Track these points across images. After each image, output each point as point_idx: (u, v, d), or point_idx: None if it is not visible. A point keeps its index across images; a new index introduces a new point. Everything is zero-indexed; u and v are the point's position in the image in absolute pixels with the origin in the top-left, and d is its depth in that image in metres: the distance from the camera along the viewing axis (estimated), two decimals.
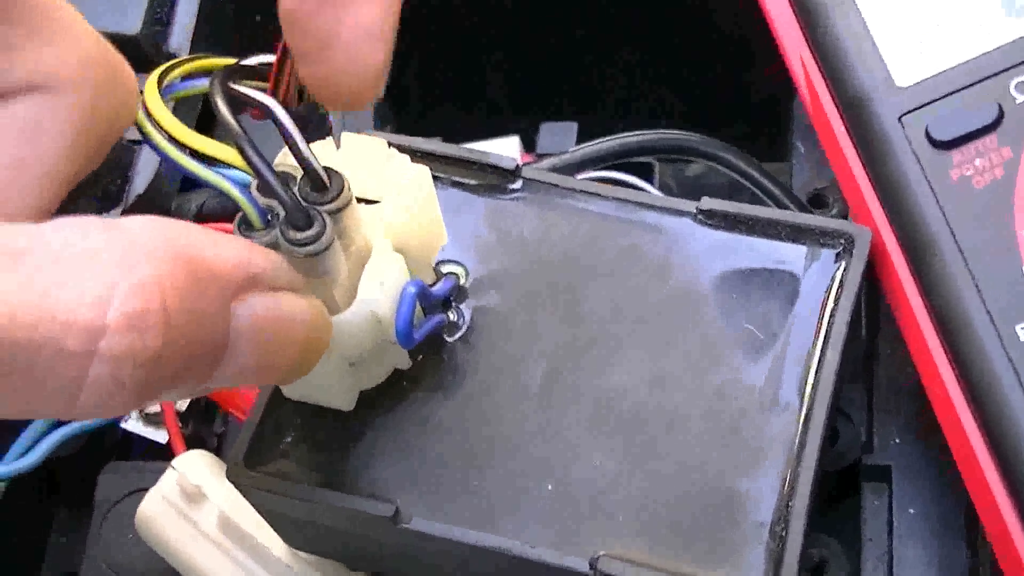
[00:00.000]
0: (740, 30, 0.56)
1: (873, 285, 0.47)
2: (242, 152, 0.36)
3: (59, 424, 0.57)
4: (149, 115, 0.37)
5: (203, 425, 0.58)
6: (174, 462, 0.52)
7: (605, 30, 0.70)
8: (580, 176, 0.54)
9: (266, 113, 0.38)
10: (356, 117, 0.62)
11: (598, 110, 0.70)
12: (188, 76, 0.40)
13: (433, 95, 0.73)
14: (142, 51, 0.58)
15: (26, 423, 0.57)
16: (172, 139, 0.37)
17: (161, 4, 0.59)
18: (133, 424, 0.58)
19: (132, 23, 0.57)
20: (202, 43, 0.59)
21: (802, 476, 0.42)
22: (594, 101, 0.71)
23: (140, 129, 0.37)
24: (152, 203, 0.56)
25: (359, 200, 0.40)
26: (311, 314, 0.35)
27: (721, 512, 0.42)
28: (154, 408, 0.57)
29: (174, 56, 0.58)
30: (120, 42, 0.56)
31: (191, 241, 0.32)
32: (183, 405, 0.57)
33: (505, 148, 0.64)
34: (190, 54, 0.57)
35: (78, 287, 0.29)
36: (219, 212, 0.58)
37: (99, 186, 0.55)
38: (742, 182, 0.53)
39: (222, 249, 0.33)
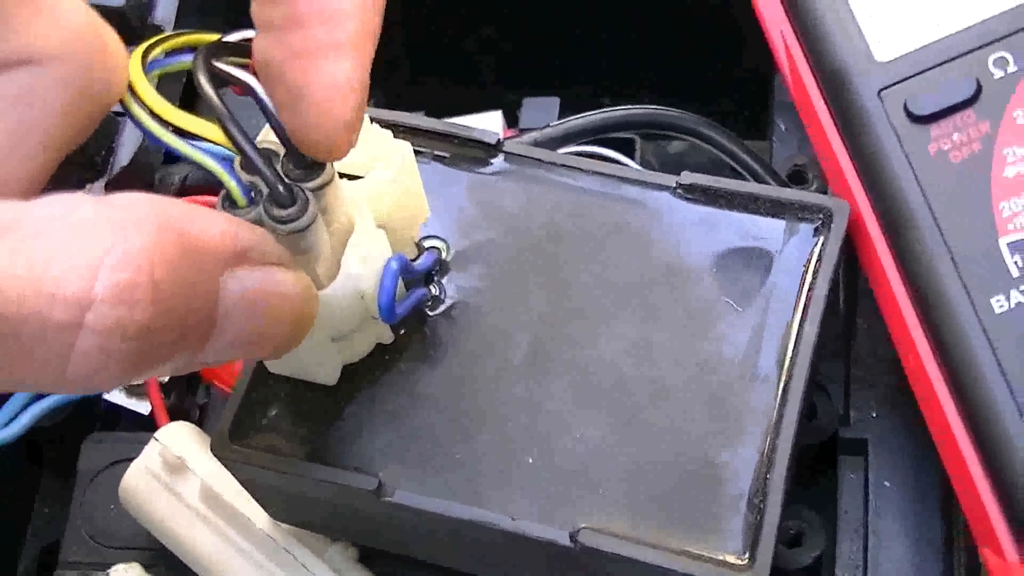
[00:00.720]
0: (724, 6, 0.56)
1: (851, 259, 0.48)
2: (224, 129, 0.36)
3: (42, 394, 0.57)
4: (132, 91, 0.37)
5: (186, 396, 0.58)
6: (157, 434, 0.52)
7: (590, 5, 0.70)
8: (562, 151, 0.54)
9: (247, 90, 0.38)
10: None
11: (582, 85, 0.70)
12: (173, 52, 0.40)
13: (419, 68, 0.73)
14: (128, 23, 0.57)
15: (9, 393, 0.57)
16: (154, 115, 0.37)
17: None
18: (116, 395, 0.58)
19: None
20: (189, 16, 0.59)
21: (780, 448, 0.42)
22: (578, 76, 0.71)
23: (123, 104, 0.37)
24: (136, 174, 0.56)
25: (341, 176, 0.40)
26: (300, 287, 0.36)
27: (702, 483, 0.42)
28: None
29: (160, 28, 0.58)
30: (106, 14, 0.56)
31: (180, 215, 0.32)
32: (166, 376, 0.57)
33: (488, 123, 0.64)
34: (176, 27, 0.57)
35: (66, 260, 0.29)
36: (203, 184, 0.58)
37: (84, 157, 0.55)
38: (723, 158, 0.54)
39: (210, 223, 0.33)
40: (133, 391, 0.58)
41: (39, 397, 0.57)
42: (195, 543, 0.51)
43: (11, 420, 0.56)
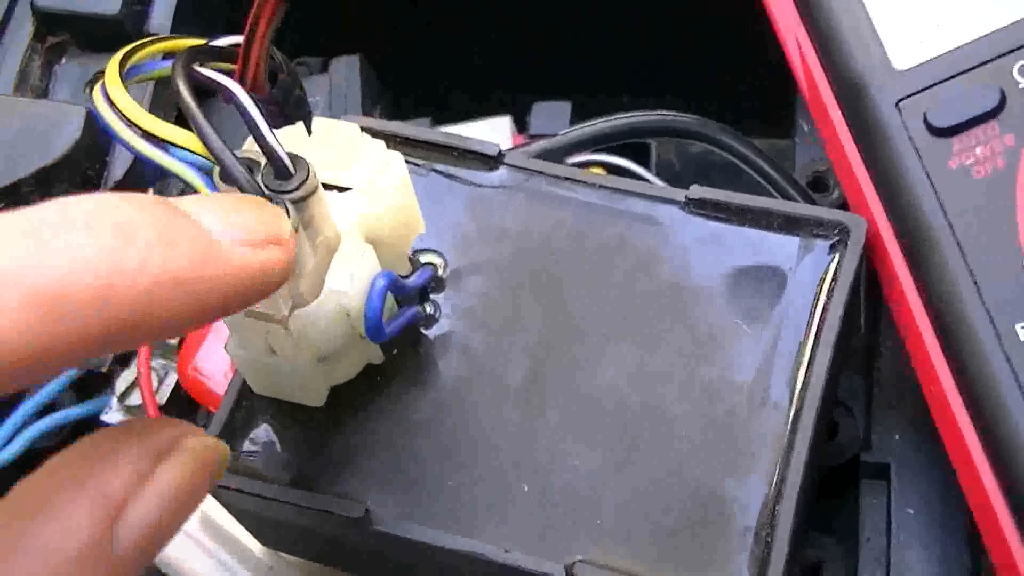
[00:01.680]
0: (745, 2, 0.55)
1: (874, 275, 0.45)
2: (203, 139, 0.35)
3: (40, 415, 0.56)
4: (108, 98, 0.36)
5: (185, 418, 0.57)
6: None
7: (605, 6, 0.69)
8: (573, 158, 0.52)
9: (227, 97, 0.36)
10: (345, 96, 0.61)
11: (598, 86, 0.68)
12: (164, 57, 0.39)
13: (427, 73, 0.72)
14: (124, 31, 0.57)
15: (6, 415, 0.56)
16: (131, 123, 0.35)
17: None
18: (114, 416, 0.57)
19: (112, 3, 0.57)
20: (185, 23, 0.58)
21: (790, 479, 0.40)
22: (593, 77, 0.69)
23: (96, 111, 0.36)
24: (131, 188, 0.55)
25: (330, 188, 0.39)
26: None
27: (706, 517, 0.40)
28: (135, 401, 0.56)
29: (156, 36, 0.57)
30: (100, 23, 0.57)
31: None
32: (163, 398, 0.56)
33: (497, 128, 0.63)
34: (172, 34, 0.56)
35: None
36: None
37: (77, 172, 0.53)
38: (739, 164, 0.52)
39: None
40: (131, 412, 0.57)
41: (36, 418, 0.56)
42: (194, 570, 0.50)
43: (8, 442, 0.55)
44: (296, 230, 0.35)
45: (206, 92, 0.36)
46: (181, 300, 0.30)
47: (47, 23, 0.57)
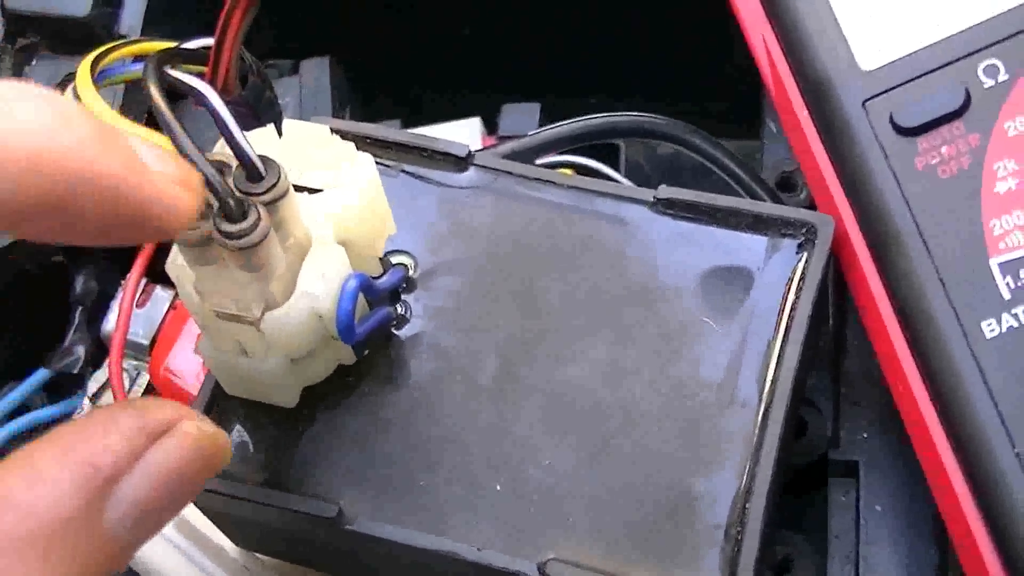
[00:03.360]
0: (713, 3, 0.55)
1: (842, 273, 0.46)
2: (174, 141, 0.35)
3: (11, 416, 0.56)
4: (78, 100, 0.36)
5: None
6: None
7: (574, 6, 0.69)
8: (542, 159, 0.52)
9: (198, 99, 0.37)
10: (315, 97, 0.61)
11: (566, 86, 0.68)
12: (135, 59, 0.39)
13: (397, 74, 0.72)
14: (92, 33, 0.57)
15: None
16: None
17: None
18: None
19: (81, 5, 0.57)
20: (155, 25, 0.58)
21: (759, 476, 0.40)
22: (562, 78, 0.69)
23: None
24: None
25: (301, 189, 0.39)
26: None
27: (677, 514, 0.40)
28: (107, 401, 0.56)
29: (125, 38, 0.57)
30: (69, 25, 0.57)
31: None
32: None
33: (466, 129, 0.63)
34: (142, 36, 0.56)
35: None
36: None
37: None
38: (708, 165, 0.52)
39: None
40: None
41: (9, 419, 0.56)
42: (167, 571, 0.50)
43: None
44: (268, 231, 0.36)
45: (176, 95, 0.36)
46: (102, 196, 0.31)
47: (17, 24, 0.57)
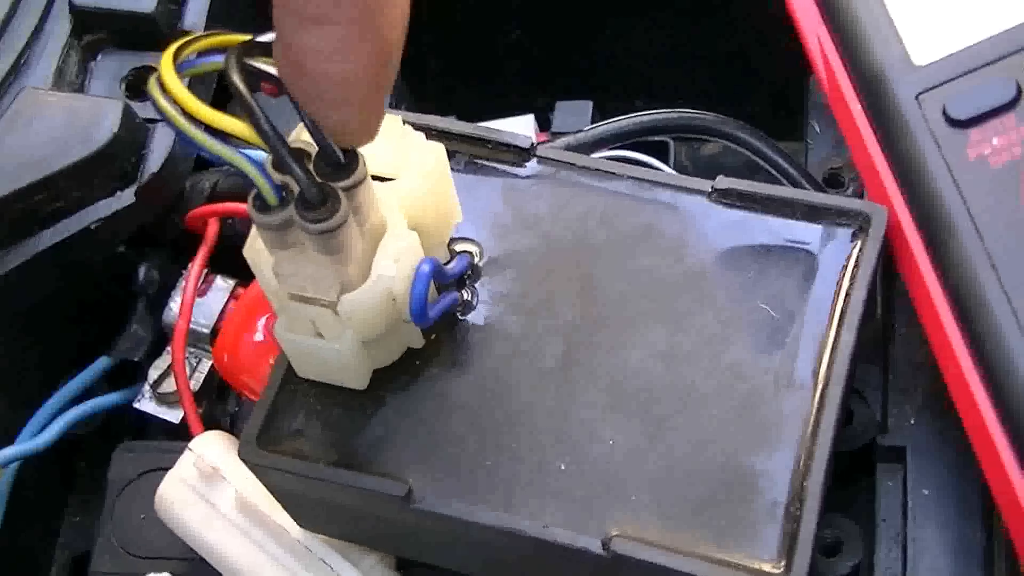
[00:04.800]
0: (758, 8, 0.56)
1: (889, 264, 0.47)
2: (257, 128, 0.36)
3: (75, 402, 0.57)
4: (165, 91, 0.37)
5: (216, 405, 0.58)
6: (191, 443, 0.52)
7: (622, 8, 0.70)
8: (595, 156, 0.53)
9: (281, 88, 0.37)
10: None
11: (615, 88, 0.69)
12: (204, 52, 0.40)
13: (450, 73, 0.73)
14: (158, 29, 0.58)
15: (42, 402, 0.57)
16: (187, 115, 0.36)
17: None
18: (147, 404, 0.58)
19: (147, 2, 0.58)
20: (218, 20, 0.59)
21: (817, 456, 0.41)
22: (611, 80, 0.70)
23: (155, 105, 0.37)
24: (166, 181, 0.56)
25: (374, 177, 0.40)
26: None
27: (735, 491, 0.41)
28: (169, 388, 0.57)
29: (189, 34, 0.57)
30: (136, 20, 0.58)
31: None
32: (196, 385, 0.57)
33: (520, 127, 0.64)
34: (205, 31, 0.57)
35: None
36: (233, 191, 0.58)
37: (115, 165, 0.54)
38: (757, 161, 0.53)
39: None
40: (163, 399, 0.58)
41: (70, 405, 0.57)
42: (229, 552, 0.51)
43: (42, 429, 0.56)
44: (347, 216, 0.37)
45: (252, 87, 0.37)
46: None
47: (83, 21, 0.58)
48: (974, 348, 0.42)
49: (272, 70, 0.38)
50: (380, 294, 0.40)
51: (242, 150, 0.37)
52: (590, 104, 0.65)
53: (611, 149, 0.56)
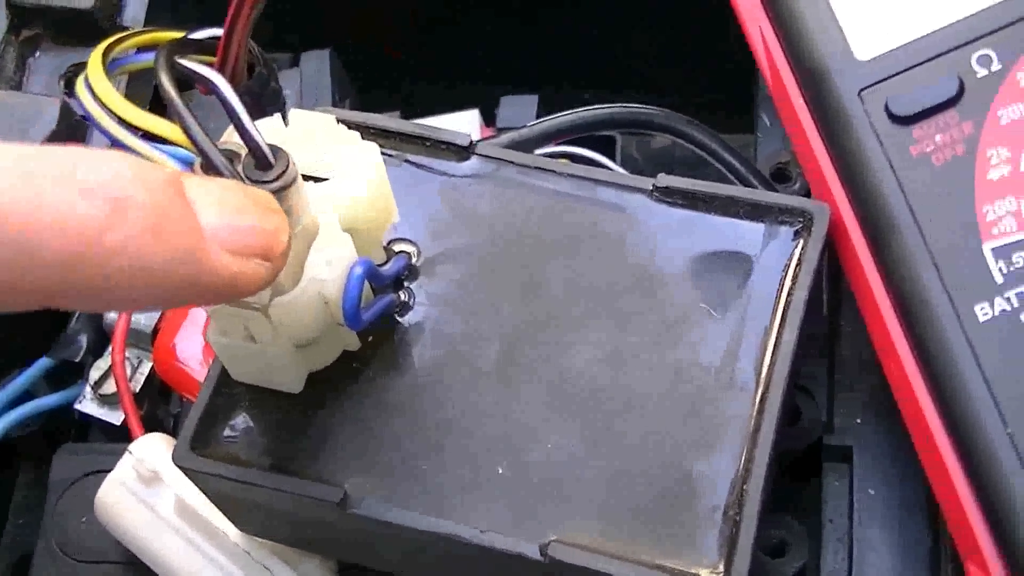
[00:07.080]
0: None
1: (835, 260, 0.46)
2: (184, 129, 0.35)
3: (14, 404, 0.57)
4: (91, 90, 0.37)
5: (159, 406, 0.57)
6: (131, 446, 0.51)
7: (569, 1, 0.69)
8: (540, 151, 0.53)
9: (210, 88, 0.37)
10: (315, 90, 0.62)
11: (562, 80, 0.69)
12: (139, 50, 0.39)
13: (395, 66, 0.72)
14: (97, 25, 0.57)
15: None
16: (115, 116, 0.36)
17: None
18: (88, 405, 0.57)
19: None
20: (159, 17, 0.59)
21: (757, 458, 0.41)
22: (558, 72, 0.70)
23: (81, 104, 0.36)
24: None
25: (307, 178, 0.40)
26: None
27: (677, 495, 0.41)
28: (110, 389, 0.57)
29: (129, 29, 0.57)
30: (74, 16, 0.57)
31: None
32: (137, 386, 0.56)
33: (465, 121, 0.63)
34: (145, 27, 0.57)
35: None
36: None
37: None
38: (705, 156, 0.53)
39: None
40: (105, 401, 0.57)
41: (11, 406, 0.56)
42: (169, 556, 0.50)
43: None
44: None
45: (183, 85, 0.37)
46: (145, 287, 0.31)
47: (21, 16, 0.58)
48: (916, 348, 0.42)
49: (201, 69, 0.37)
50: (312, 298, 0.40)
51: (172, 152, 0.36)
52: (536, 99, 0.64)
53: (556, 144, 0.55)
